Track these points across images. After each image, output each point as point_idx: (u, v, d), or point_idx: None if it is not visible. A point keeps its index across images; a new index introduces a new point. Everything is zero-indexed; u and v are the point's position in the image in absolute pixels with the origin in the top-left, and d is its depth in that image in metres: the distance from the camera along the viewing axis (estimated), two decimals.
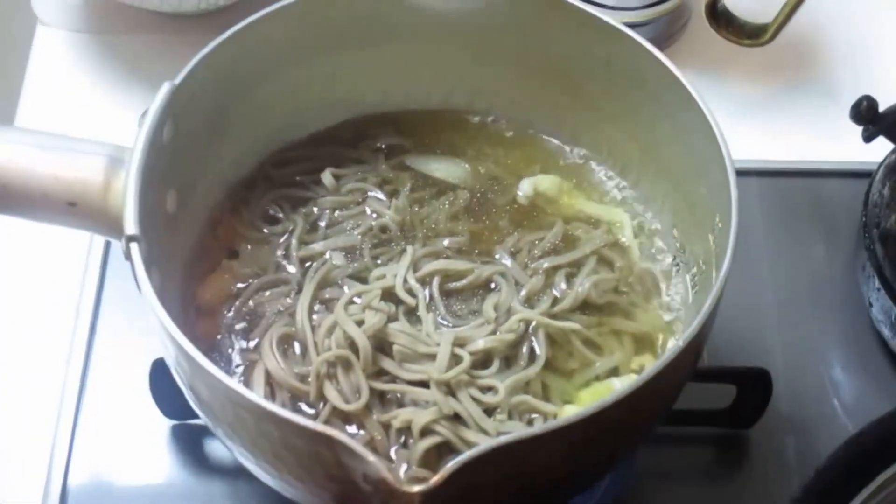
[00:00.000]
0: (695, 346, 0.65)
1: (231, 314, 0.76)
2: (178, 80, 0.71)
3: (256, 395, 0.60)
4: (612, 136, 0.82)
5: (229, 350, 0.74)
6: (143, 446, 0.81)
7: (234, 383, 0.60)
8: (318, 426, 0.58)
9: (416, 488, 0.56)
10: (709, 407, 0.81)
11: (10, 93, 1.04)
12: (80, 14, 1.06)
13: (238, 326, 0.75)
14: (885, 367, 0.87)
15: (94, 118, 0.99)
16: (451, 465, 0.56)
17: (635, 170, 0.82)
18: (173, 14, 1.03)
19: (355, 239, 0.79)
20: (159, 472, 0.80)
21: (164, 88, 0.70)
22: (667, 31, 1.03)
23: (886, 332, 0.85)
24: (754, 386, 0.80)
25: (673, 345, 0.74)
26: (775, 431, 0.83)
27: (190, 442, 0.81)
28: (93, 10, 1.06)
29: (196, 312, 0.76)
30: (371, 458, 0.56)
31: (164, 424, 0.81)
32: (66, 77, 1.03)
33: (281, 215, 0.80)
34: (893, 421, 0.68)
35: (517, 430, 0.62)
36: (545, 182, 0.82)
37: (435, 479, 0.56)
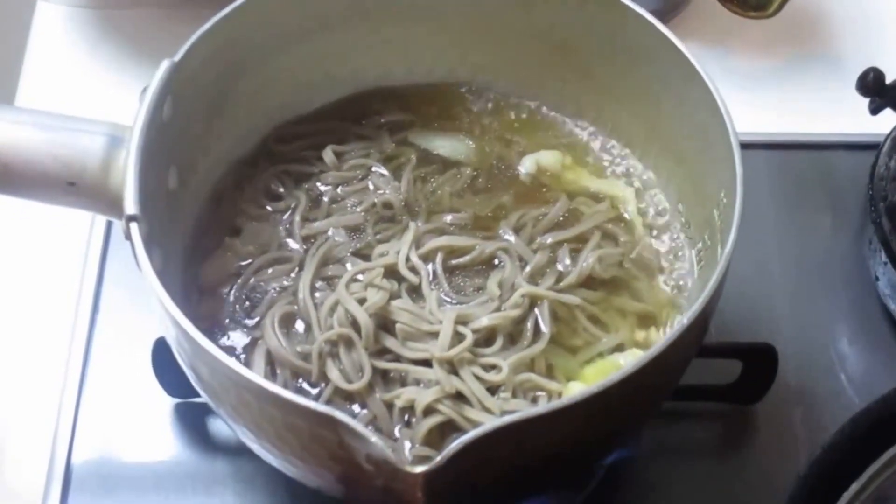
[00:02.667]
0: (700, 322, 0.64)
1: (233, 292, 0.75)
2: (177, 58, 0.70)
3: (258, 376, 0.60)
4: (616, 112, 0.82)
5: (231, 329, 0.74)
6: (147, 425, 0.81)
7: (236, 364, 0.59)
8: (320, 407, 0.58)
9: (419, 468, 0.56)
10: (715, 382, 0.81)
11: (10, 69, 1.04)
12: None
13: (240, 305, 0.75)
14: (892, 341, 0.86)
15: (94, 94, 0.99)
16: (455, 444, 0.56)
17: (640, 145, 0.82)
18: None
19: (358, 216, 0.78)
20: (163, 451, 0.80)
21: (164, 66, 0.69)
22: (671, 3, 1.02)
23: (893, 306, 0.85)
24: (760, 361, 0.79)
25: (678, 321, 0.74)
26: (782, 406, 0.83)
27: (193, 420, 0.81)
28: None
29: (197, 291, 0.75)
30: (374, 438, 0.56)
31: (168, 403, 0.81)
32: (67, 53, 1.03)
33: (283, 191, 0.80)
34: None
35: (521, 409, 0.62)
36: (547, 157, 0.82)
37: (438, 459, 0.56)
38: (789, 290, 0.88)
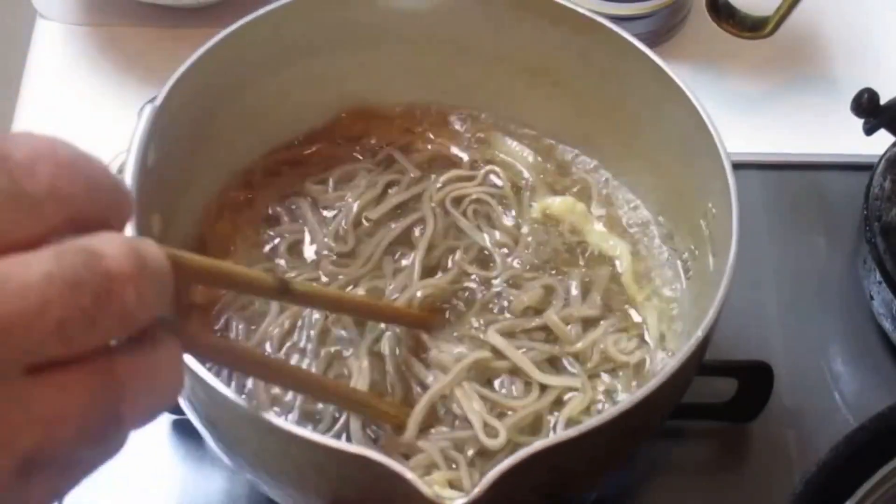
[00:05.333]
0: (703, 346, 0.65)
1: (225, 316, 0.75)
2: (158, 102, 0.69)
3: (291, 424, 0.59)
4: (591, 129, 0.82)
5: None
6: (144, 440, 0.81)
7: (265, 414, 0.59)
8: (353, 448, 0.58)
9: (459, 502, 0.55)
10: (710, 401, 0.81)
11: (9, 86, 1.04)
12: (79, 7, 1.06)
13: (234, 329, 0.75)
14: (887, 360, 0.87)
15: (93, 111, 0.99)
16: (491, 474, 0.56)
17: (616, 160, 0.82)
18: (173, 7, 1.03)
19: (348, 246, 0.78)
20: (160, 467, 0.80)
21: (147, 111, 0.68)
22: (667, 24, 1.03)
23: (887, 326, 0.85)
24: (756, 380, 0.80)
25: (669, 335, 0.75)
26: (777, 425, 0.83)
27: (191, 436, 0.81)
28: (92, 4, 1.06)
29: (187, 307, 0.75)
30: (409, 475, 0.55)
31: (166, 418, 0.81)
32: (66, 70, 1.03)
33: (277, 215, 0.80)
34: (894, 415, 0.68)
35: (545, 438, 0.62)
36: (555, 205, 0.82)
37: (476, 490, 0.55)
38: (783, 309, 0.89)
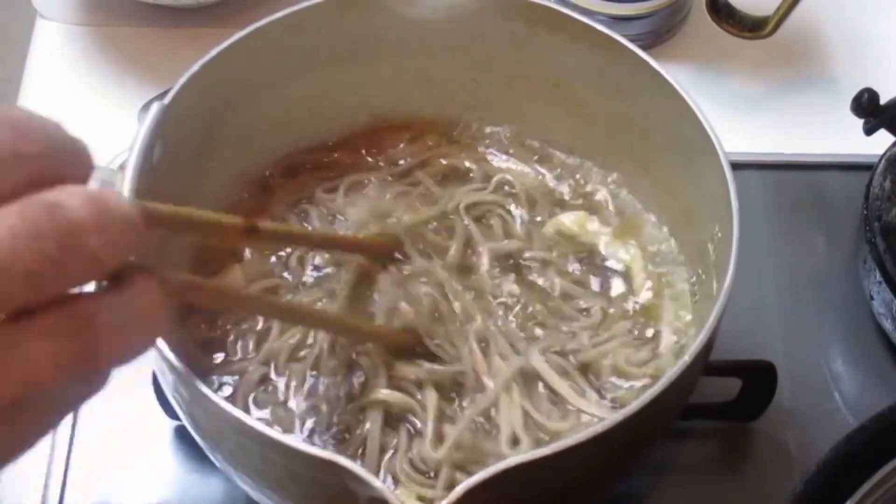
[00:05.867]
0: (700, 360, 0.65)
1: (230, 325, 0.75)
2: (167, 100, 0.70)
3: (260, 424, 0.59)
4: (607, 147, 0.82)
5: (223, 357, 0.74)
6: (146, 446, 0.81)
7: (239, 413, 0.59)
8: (323, 453, 0.58)
9: None
10: (712, 400, 0.81)
11: (9, 86, 1.04)
12: (79, 7, 1.06)
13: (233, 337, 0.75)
14: (887, 360, 0.87)
15: (94, 111, 0.99)
16: (461, 487, 0.55)
17: (630, 180, 0.82)
18: (173, 7, 1.03)
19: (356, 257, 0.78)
20: (162, 473, 0.80)
21: (154, 109, 0.68)
22: (667, 24, 1.03)
23: (888, 326, 0.85)
24: (759, 379, 0.80)
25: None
26: (777, 424, 0.83)
27: (193, 443, 0.80)
28: (92, 4, 1.06)
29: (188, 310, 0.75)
30: (377, 483, 0.56)
31: (168, 425, 0.81)
32: (66, 70, 1.03)
33: (287, 221, 0.80)
34: (894, 415, 0.68)
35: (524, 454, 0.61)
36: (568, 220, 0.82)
37: (444, 502, 0.55)
38: (784, 308, 0.89)
